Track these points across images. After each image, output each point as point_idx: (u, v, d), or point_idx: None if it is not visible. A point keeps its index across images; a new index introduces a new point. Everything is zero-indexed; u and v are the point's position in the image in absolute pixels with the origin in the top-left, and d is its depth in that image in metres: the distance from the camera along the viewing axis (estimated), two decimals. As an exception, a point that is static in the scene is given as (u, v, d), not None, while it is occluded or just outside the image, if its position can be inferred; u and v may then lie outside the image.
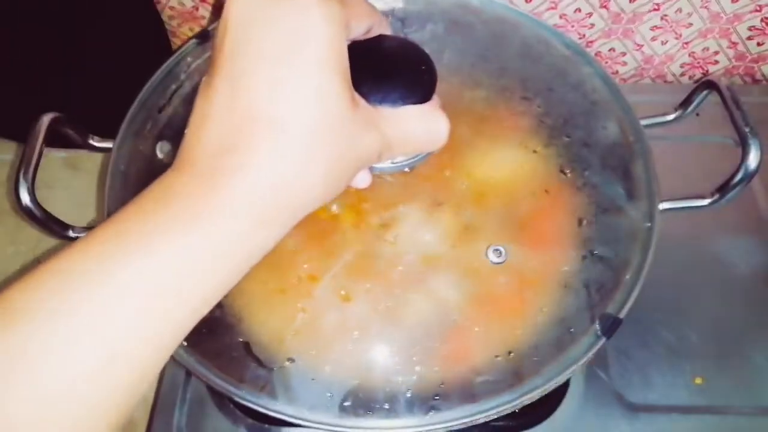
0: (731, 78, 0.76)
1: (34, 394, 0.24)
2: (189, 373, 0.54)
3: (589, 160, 0.47)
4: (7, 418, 0.24)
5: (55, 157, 0.73)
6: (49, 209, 0.44)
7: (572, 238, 0.45)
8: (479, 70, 0.50)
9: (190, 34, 0.71)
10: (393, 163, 0.44)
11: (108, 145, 0.50)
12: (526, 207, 0.45)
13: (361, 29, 0.33)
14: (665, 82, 0.77)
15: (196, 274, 0.27)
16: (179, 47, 0.55)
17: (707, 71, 0.76)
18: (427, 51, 0.42)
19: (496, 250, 0.43)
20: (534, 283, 0.44)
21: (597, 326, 0.43)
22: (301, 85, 0.28)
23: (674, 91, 0.62)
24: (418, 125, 0.34)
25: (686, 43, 0.72)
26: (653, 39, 0.71)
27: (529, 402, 0.42)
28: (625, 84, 0.76)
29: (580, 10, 0.68)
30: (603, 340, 0.43)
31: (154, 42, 0.70)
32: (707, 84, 0.49)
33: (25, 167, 0.43)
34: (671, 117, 0.53)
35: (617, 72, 0.76)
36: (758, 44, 0.71)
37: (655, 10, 0.68)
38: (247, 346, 0.42)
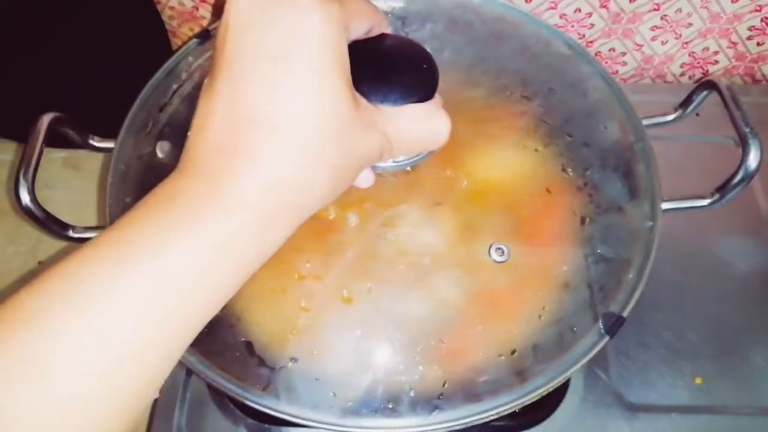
0: (731, 78, 0.76)
1: (41, 398, 0.24)
2: (189, 373, 0.54)
3: (591, 160, 0.47)
4: (13, 423, 0.24)
5: (55, 157, 0.73)
6: (49, 209, 0.44)
7: (574, 237, 0.45)
8: (479, 70, 0.50)
9: (190, 34, 0.71)
10: (394, 162, 0.44)
11: (108, 145, 0.50)
12: (527, 206, 0.45)
13: (362, 29, 0.33)
14: (665, 82, 0.77)
15: (203, 276, 0.27)
16: (179, 47, 0.55)
17: (707, 71, 0.76)
18: (428, 50, 0.42)
19: (499, 248, 0.43)
20: (536, 282, 0.44)
21: (600, 325, 0.43)
22: (302, 85, 0.28)
23: (674, 91, 0.62)
24: (420, 124, 0.34)
25: (686, 43, 0.72)
26: (653, 39, 0.71)
27: (532, 401, 0.42)
28: (625, 84, 0.76)
29: (580, 10, 0.68)
30: (606, 338, 0.43)
31: (154, 42, 0.70)
32: (707, 84, 0.49)
33: (25, 167, 0.43)
34: (671, 117, 0.53)
35: (617, 72, 0.76)
36: (758, 44, 0.72)
37: (655, 10, 0.68)
38: (249, 345, 0.42)
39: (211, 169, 0.28)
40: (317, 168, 0.28)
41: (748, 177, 0.45)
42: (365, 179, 0.34)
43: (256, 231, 0.28)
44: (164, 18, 0.69)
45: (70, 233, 0.46)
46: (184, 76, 0.51)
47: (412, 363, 0.42)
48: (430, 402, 0.41)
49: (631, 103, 0.52)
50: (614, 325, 0.43)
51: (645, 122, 0.51)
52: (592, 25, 0.69)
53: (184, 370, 0.56)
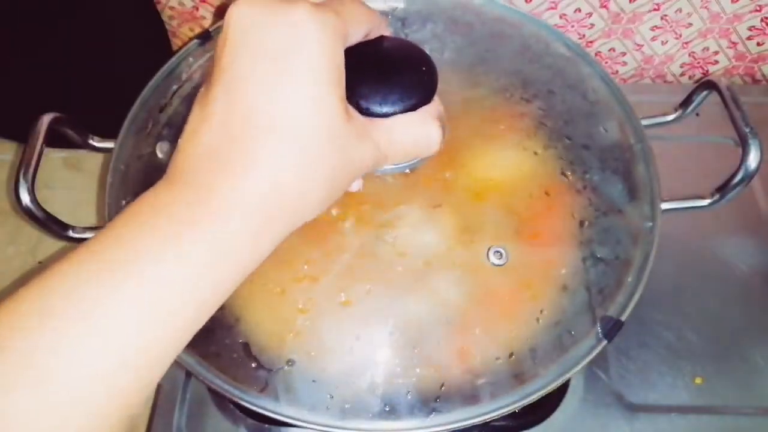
0: (731, 78, 0.76)
1: (42, 401, 0.24)
2: (189, 374, 0.54)
3: (590, 162, 0.47)
4: (14, 423, 0.24)
5: (55, 157, 0.73)
6: (49, 209, 0.44)
7: (573, 240, 0.45)
8: (479, 71, 0.50)
9: (190, 34, 0.71)
10: (393, 164, 0.44)
11: (108, 145, 0.50)
12: (526, 209, 0.45)
13: (359, 34, 0.33)
14: (665, 82, 0.77)
15: (202, 279, 0.27)
16: (180, 47, 0.55)
17: (707, 71, 0.76)
18: (427, 51, 0.42)
19: (497, 251, 0.43)
20: (535, 285, 0.44)
21: (598, 328, 0.43)
22: (296, 92, 0.28)
23: (674, 91, 0.62)
24: (411, 134, 0.34)
25: (686, 43, 0.72)
26: (653, 39, 0.71)
27: (531, 403, 0.42)
28: (625, 84, 0.76)
29: (580, 10, 0.68)
30: (604, 342, 0.43)
31: (154, 42, 0.70)
32: (707, 84, 0.49)
33: (25, 167, 0.43)
34: (671, 117, 0.53)
35: (617, 72, 0.76)
36: (758, 44, 0.71)
37: (655, 10, 0.68)
38: (247, 347, 0.42)
39: (206, 175, 0.28)
40: (316, 169, 0.28)
41: (748, 177, 0.45)
42: (356, 183, 0.34)
43: (253, 234, 0.28)
44: (164, 18, 0.69)
45: (70, 233, 0.46)
46: (184, 76, 0.52)
47: (409, 365, 0.42)
48: (428, 404, 0.41)
49: (631, 104, 0.52)
50: (612, 329, 0.43)
51: (645, 122, 0.51)
52: (592, 25, 0.69)
53: (184, 371, 0.56)
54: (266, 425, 0.54)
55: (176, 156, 0.29)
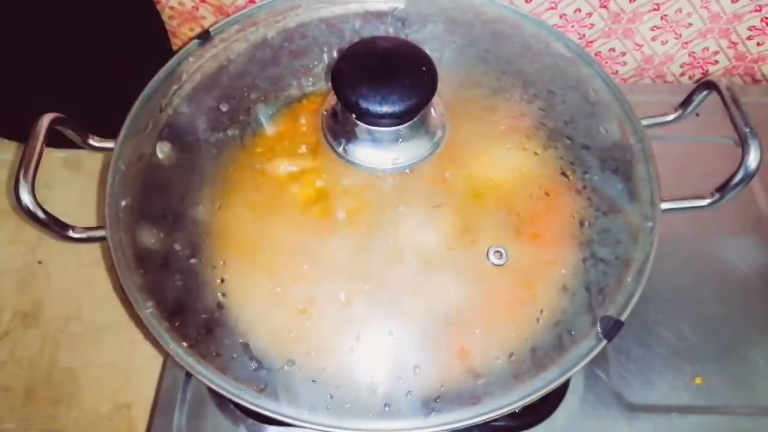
0: (731, 78, 0.76)
1: None
2: (189, 374, 0.54)
3: (590, 162, 0.47)
4: None
5: (55, 157, 0.73)
6: (49, 209, 0.44)
7: (573, 240, 0.45)
8: (479, 71, 0.50)
9: (190, 34, 0.71)
10: (393, 164, 0.44)
11: (108, 145, 0.50)
12: (526, 209, 0.45)
13: None
14: (665, 82, 0.77)
15: None
16: (180, 47, 0.55)
17: (707, 71, 0.76)
18: (427, 51, 0.42)
19: (497, 251, 0.43)
20: (535, 285, 0.44)
21: (598, 329, 0.43)
22: None
23: (674, 91, 0.62)
24: None
25: (686, 43, 0.72)
26: (653, 39, 0.71)
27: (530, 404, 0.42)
28: (625, 84, 0.77)
29: (580, 10, 0.68)
30: (604, 342, 0.43)
31: (154, 42, 0.70)
32: (707, 84, 0.49)
33: (25, 167, 0.43)
34: (671, 117, 0.53)
35: (617, 72, 0.76)
36: (758, 44, 0.72)
37: (655, 10, 0.68)
38: (247, 347, 0.42)
39: None
40: None
41: (748, 177, 0.45)
42: None
43: None
44: (164, 18, 0.69)
45: (70, 233, 0.46)
46: (184, 76, 0.51)
47: (409, 365, 0.42)
48: (428, 404, 0.41)
49: (631, 104, 0.52)
50: (612, 329, 0.43)
51: (645, 122, 0.51)
52: (592, 25, 0.69)
53: (184, 371, 0.56)
54: (266, 425, 0.54)
55: None
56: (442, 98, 0.46)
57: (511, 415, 0.46)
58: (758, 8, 0.67)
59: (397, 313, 0.42)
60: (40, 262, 0.68)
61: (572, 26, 0.70)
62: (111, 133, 0.50)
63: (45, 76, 0.66)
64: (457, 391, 0.42)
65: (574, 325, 0.43)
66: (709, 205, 0.48)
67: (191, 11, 0.68)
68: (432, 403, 0.41)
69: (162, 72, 0.52)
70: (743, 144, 0.45)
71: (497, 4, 0.55)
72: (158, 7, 0.68)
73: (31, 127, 0.45)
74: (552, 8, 0.68)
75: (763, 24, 0.69)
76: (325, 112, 0.46)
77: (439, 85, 0.41)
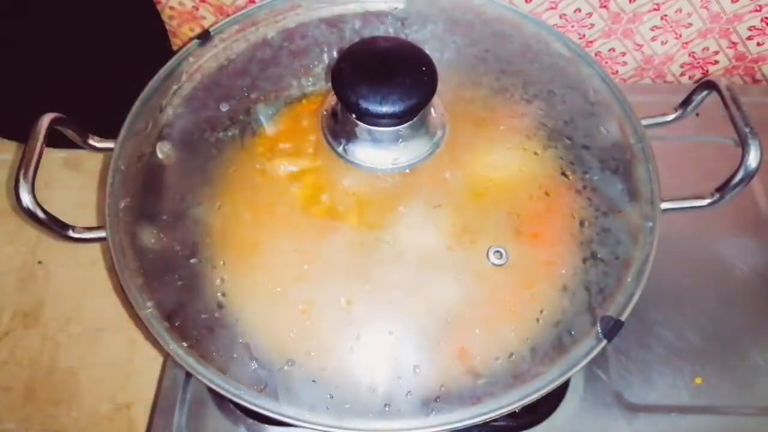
0: (731, 78, 0.76)
1: None
2: (189, 374, 0.54)
3: (590, 162, 0.47)
4: None
5: (55, 157, 0.73)
6: (49, 209, 0.44)
7: (573, 240, 0.45)
8: (479, 71, 0.50)
9: (190, 34, 0.71)
10: (393, 164, 0.44)
11: (108, 145, 0.50)
12: (526, 209, 0.45)
13: None
14: (665, 82, 0.77)
15: None
16: (180, 47, 0.55)
17: (707, 71, 0.76)
18: (427, 51, 0.42)
19: (497, 251, 0.43)
20: (535, 285, 0.44)
21: (598, 329, 0.43)
22: None
23: (674, 91, 0.62)
24: None
25: (686, 43, 0.72)
26: (653, 39, 0.71)
27: (531, 403, 0.42)
28: (625, 84, 0.77)
29: (580, 10, 0.68)
30: (604, 342, 0.43)
31: (154, 42, 0.70)
32: (707, 84, 0.49)
33: (25, 167, 0.43)
34: (671, 117, 0.53)
35: (617, 72, 0.76)
36: (758, 44, 0.72)
37: (655, 10, 0.68)
38: (246, 347, 0.42)
39: None
40: None
41: (748, 177, 0.45)
42: None
43: None
44: (164, 18, 0.69)
45: (70, 233, 0.46)
46: (184, 76, 0.51)
47: (409, 365, 0.42)
48: (428, 404, 0.41)
49: (631, 104, 0.52)
50: (612, 329, 0.43)
51: (645, 122, 0.51)
52: (592, 25, 0.69)
53: (184, 371, 0.56)
54: (266, 425, 0.54)
55: None
56: (442, 98, 0.46)
57: (511, 415, 0.46)
58: (758, 8, 0.67)
59: (397, 313, 0.42)
60: (40, 262, 0.68)
61: (572, 26, 0.70)
62: (111, 133, 0.50)
63: (45, 76, 0.66)
64: (457, 391, 0.42)
65: (574, 325, 0.43)
66: (709, 205, 0.48)
67: (191, 11, 0.68)
68: (432, 403, 0.41)
69: (162, 72, 0.52)
70: (743, 144, 0.45)
71: (497, 4, 0.55)
72: (158, 7, 0.68)
73: (31, 127, 0.45)
74: (552, 8, 0.68)
75: (763, 24, 0.69)
76: (325, 112, 0.46)
77: (439, 85, 0.41)
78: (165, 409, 0.55)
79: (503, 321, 0.43)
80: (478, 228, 0.44)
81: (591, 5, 0.67)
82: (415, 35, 0.52)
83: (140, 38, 0.68)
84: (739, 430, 0.55)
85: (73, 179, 0.73)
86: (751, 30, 0.70)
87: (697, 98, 0.51)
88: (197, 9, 0.68)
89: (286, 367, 0.42)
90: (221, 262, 0.44)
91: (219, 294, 0.43)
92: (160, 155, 0.48)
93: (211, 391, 0.54)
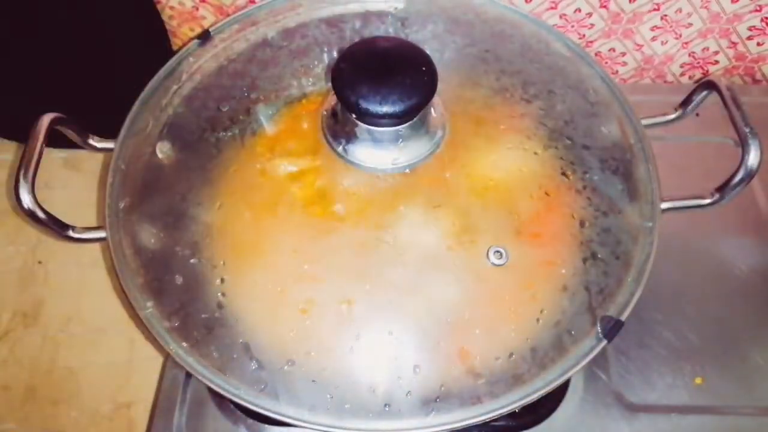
0: (731, 78, 0.76)
1: None
2: (189, 374, 0.54)
3: (590, 162, 0.47)
4: None
5: (55, 157, 0.73)
6: (49, 209, 0.44)
7: (573, 240, 0.45)
8: (479, 71, 0.50)
9: (191, 34, 0.71)
10: (393, 164, 0.44)
11: (108, 145, 0.50)
12: (526, 209, 0.45)
13: None
14: (665, 82, 0.77)
15: None
16: (180, 47, 0.55)
17: (707, 71, 0.76)
18: (427, 51, 0.42)
19: (497, 251, 0.43)
20: (535, 285, 0.44)
21: (598, 328, 0.43)
22: None
23: (674, 91, 0.62)
24: None
25: (686, 43, 0.72)
26: (653, 39, 0.71)
27: (531, 402, 0.42)
28: (625, 84, 0.77)
29: (580, 10, 0.68)
30: (604, 342, 0.43)
31: (154, 42, 0.70)
32: (707, 84, 0.49)
33: (25, 167, 0.43)
34: (671, 117, 0.53)
35: (617, 72, 0.76)
36: (758, 44, 0.72)
37: (655, 10, 0.68)
38: (246, 347, 0.42)
39: None
40: None
41: (748, 177, 0.45)
42: None
43: None
44: (164, 18, 0.69)
45: (70, 233, 0.46)
46: (184, 76, 0.51)
47: (409, 365, 0.42)
48: (428, 404, 0.41)
49: (631, 104, 0.52)
50: (612, 329, 0.43)
51: (645, 122, 0.51)
52: (592, 25, 0.69)
53: (184, 371, 0.56)
54: (266, 425, 0.54)
55: None
56: (442, 98, 0.46)
57: (511, 415, 0.46)
58: (758, 8, 0.67)
59: (397, 313, 0.42)
60: (40, 262, 0.68)
61: (572, 26, 0.70)
62: (111, 133, 0.50)
63: (45, 76, 0.66)
64: (457, 391, 0.42)
65: (574, 325, 0.43)
66: (709, 205, 0.48)
67: (191, 11, 0.68)
68: (432, 403, 0.41)
69: (162, 72, 0.52)
70: (743, 144, 0.45)
71: (497, 4, 0.55)
72: (158, 7, 0.68)
73: (31, 127, 0.45)
74: (552, 8, 0.68)
75: (763, 24, 0.69)
76: (325, 112, 0.46)
77: (439, 85, 0.41)
78: (165, 409, 0.55)
79: (503, 321, 0.43)
80: (478, 228, 0.44)
81: (591, 5, 0.67)
82: (415, 35, 0.52)
83: (140, 38, 0.68)
84: (739, 430, 0.55)
85: (73, 179, 0.73)
86: (751, 30, 0.70)
87: (697, 98, 0.51)
88: (197, 9, 0.68)
89: (286, 367, 0.42)
90: (221, 262, 0.44)
91: (219, 294, 0.43)
92: (160, 155, 0.48)
93: (211, 391, 0.54)
